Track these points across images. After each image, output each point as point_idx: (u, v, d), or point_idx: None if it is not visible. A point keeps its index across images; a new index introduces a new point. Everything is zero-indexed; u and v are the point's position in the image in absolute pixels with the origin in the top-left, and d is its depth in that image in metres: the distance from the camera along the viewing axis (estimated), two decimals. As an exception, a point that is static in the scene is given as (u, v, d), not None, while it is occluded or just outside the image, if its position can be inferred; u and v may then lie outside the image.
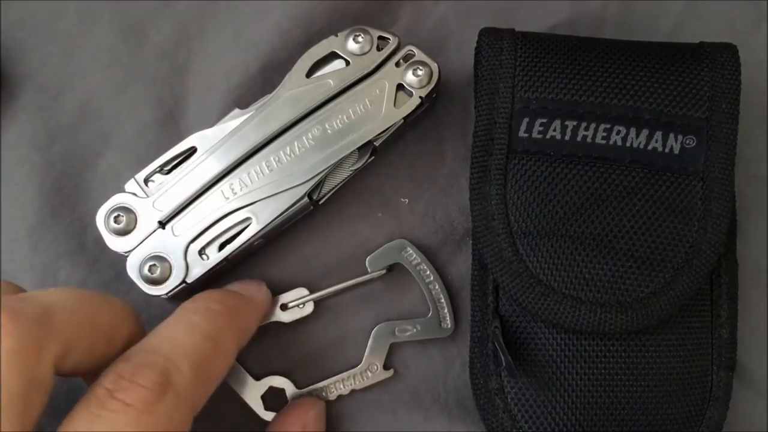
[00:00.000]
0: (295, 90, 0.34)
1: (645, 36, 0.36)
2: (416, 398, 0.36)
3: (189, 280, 0.33)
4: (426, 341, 0.36)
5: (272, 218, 0.33)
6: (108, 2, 0.37)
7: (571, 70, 0.33)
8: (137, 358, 0.27)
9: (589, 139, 0.32)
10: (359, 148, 0.34)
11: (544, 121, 0.32)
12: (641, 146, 0.32)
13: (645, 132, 0.32)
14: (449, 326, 0.35)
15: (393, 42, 0.35)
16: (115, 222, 0.33)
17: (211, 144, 0.34)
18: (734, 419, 0.34)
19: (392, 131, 0.34)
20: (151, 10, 0.38)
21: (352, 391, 0.35)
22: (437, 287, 0.35)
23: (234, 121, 0.34)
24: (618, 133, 0.32)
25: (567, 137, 0.32)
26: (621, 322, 0.31)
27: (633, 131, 0.32)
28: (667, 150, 0.32)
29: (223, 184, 0.33)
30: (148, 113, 0.37)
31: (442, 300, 0.35)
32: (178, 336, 0.29)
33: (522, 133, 0.32)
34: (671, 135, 0.32)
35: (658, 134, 0.32)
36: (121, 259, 0.33)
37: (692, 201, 0.32)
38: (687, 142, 0.32)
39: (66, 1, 0.37)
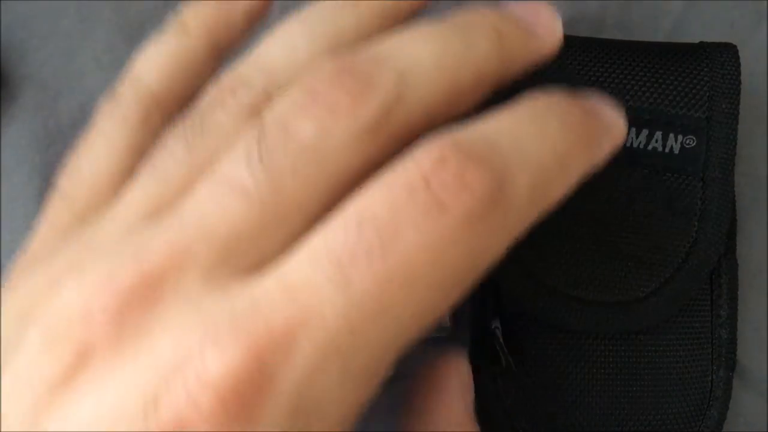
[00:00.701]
0: (295, 90, 0.34)
1: (645, 36, 0.36)
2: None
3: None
4: (424, 341, 0.36)
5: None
6: (108, 2, 0.37)
7: (571, 70, 0.33)
8: (470, 142, 0.20)
9: (588, 139, 0.32)
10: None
11: (544, 121, 0.32)
12: (641, 146, 0.32)
13: (645, 132, 0.32)
14: (447, 324, 0.35)
15: (393, 42, 0.34)
16: (115, 222, 0.33)
17: (211, 144, 0.34)
18: (734, 419, 0.34)
19: (392, 131, 0.34)
20: (151, 10, 0.38)
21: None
22: (437, 287, 0.35)
23: (234, 121, 0.34)
24: (618, 133, 0.32)
25: (567, 137, 0.32)
26: (621, 321, 0.31)
27: (633, 131, 0.32)
28: (667, 150, 0.32)
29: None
30: (148, 113, 0.37)
31: (442, 299, 0.35)
32: (523, 138, 0.21)
33: (522, 134, 0.32)
34: (671, 135, 0.32)
35: (658, 134, 0.32)
36: (121, 259, 0.33)
37: (692, 201, 0.32)
38: (687, 142, 0.32)
39: (66, 1, 0.37)
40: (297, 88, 0.21)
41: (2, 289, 0.23)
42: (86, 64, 0.37)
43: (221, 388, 0.18)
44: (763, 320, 0.36)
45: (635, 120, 0.32)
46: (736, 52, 0.33)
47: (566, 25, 0.38)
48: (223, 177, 0.21)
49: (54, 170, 0.37)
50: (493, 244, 0.21)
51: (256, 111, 0.22)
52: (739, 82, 0.33)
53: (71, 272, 0.21)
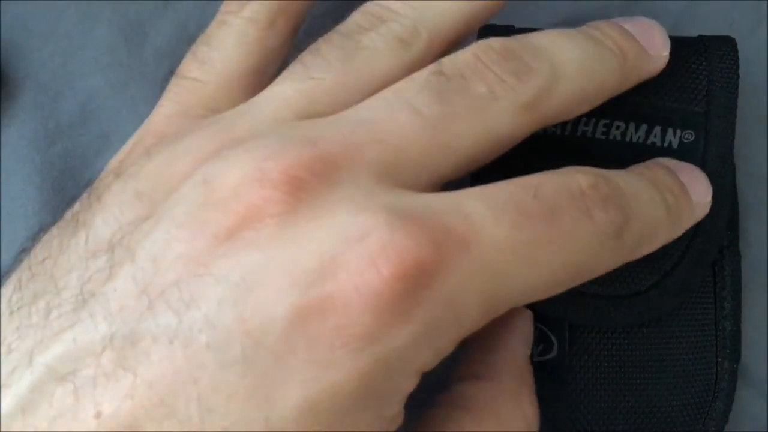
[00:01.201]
0: (295, 88, 0.34)
1: (644, 35, 0.36)
2: (415, 397, 0.35)
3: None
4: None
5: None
6: (108, 2, 0.38)
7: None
8: (612, 183, 0.25)
9: (588, 134, 0.32)
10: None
11: (544, 116, 0.32)
12: (640, 141, 0.32)
13: (644, 127, 0.32)
14: None
15: (393, 40, 0.35)
16: (115, 220, 0.33)
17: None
18: (734, 418, 0.34)
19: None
20: (151, 10, 0.38)
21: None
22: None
23: (234, 119, 0.34)
24: (617, 128, 0.32)
25: (567, 132, 0.32)
26: (622, 315, 0.31)
27: (632, 126, 0.32)
28: (666, 144, 0.32)
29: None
30: (148, 113, 0.37)
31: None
32: (640, 199, 0.26)
33: (522, 130, 0.33)
34: (670, 130, 0.32)
35: (657, 129, 0.32)
36: (120, 257, 0.33)
37: (691, 195, 0.32)
38: (685, 136, 0.32)
39: (66, 1, 0.38)
40: (470, 55, 0.24)
41: (127, 159, 0.25)
42: (86, 64, 0.37)
43: (405, 261, 0.19)
44: (764, 319, 0.36)
45: (634, 115, 0.32)
46: (735, 45, 0.33)
47: (567, 24, 0.38)
48: (399, 96, 0.23)
49: (54, 170, 0.37)
50: (604, 263, 0.24)
51: (405, 43, 0.25)
52: (738, 76, 0.33)
53: (232, 145, 0.21)
